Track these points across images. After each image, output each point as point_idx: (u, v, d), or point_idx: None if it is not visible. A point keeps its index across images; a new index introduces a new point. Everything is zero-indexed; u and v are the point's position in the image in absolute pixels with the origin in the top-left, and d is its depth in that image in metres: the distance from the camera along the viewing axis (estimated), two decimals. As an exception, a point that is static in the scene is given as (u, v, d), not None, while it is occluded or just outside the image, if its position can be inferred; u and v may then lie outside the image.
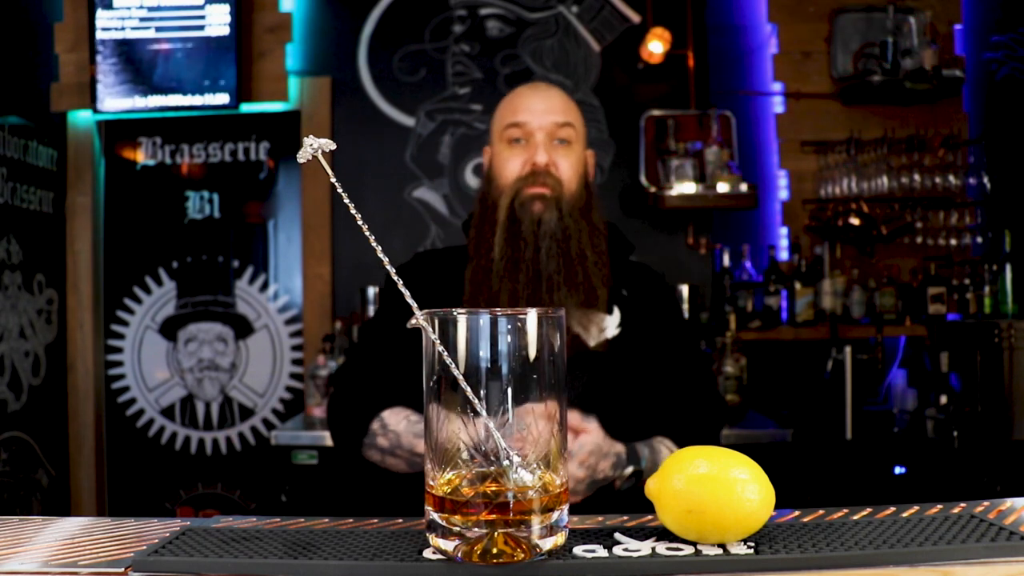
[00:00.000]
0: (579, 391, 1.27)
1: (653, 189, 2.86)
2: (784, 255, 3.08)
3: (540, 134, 1.33)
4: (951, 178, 3.04)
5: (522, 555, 0.61)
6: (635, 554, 0.64)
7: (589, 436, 1.16)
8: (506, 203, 1.32)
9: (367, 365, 1.39)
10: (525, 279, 1.30)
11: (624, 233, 1.48)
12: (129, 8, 2.93)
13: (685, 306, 2.83)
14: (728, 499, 0.64)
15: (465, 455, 0.62)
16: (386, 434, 1.27)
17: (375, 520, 0.78)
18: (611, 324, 1.35)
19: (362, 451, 1.32)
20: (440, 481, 0.62)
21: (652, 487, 0.68)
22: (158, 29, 2.93)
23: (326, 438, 2.45)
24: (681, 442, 1.29)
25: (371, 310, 2.88)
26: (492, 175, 1.38)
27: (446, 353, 0.61)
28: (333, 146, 0.65)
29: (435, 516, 0.62)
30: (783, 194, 3.12)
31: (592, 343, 1.32)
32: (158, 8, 2.93)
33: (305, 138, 0.65)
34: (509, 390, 0.61)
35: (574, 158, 1.36)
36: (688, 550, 0.64)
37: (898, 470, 2.54)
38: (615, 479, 1.21)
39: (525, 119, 1.34)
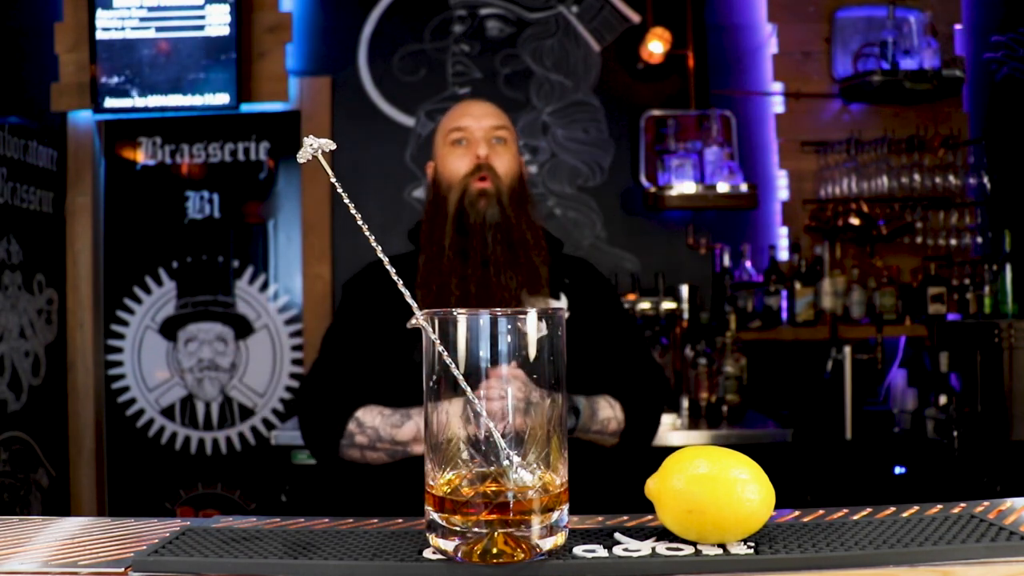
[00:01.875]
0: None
1: (653, 189, 2.86)
2: (784, 255, 3.08)
3: (479, 133, 1.53)
4: (951, 178, 3.04)
5: (522, 555, 0.61)
6: (635, 554, 0.64)
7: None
8: (455, 198, 1.48)
9: (335, 369, 1.47)
10: (473, 264, 1.44)
11: (552, 232, 1.66)
12: (129, 8, 2.93)
13: (682, 303, 2.83)
14: (728, 499, 0.64)
15: (465, 455, 0.62)
16: (363, 431, 1.37)
17: (375, 520, 0.78)
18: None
19: (339, 452, 1.40)
20: (440, 481, 0.62)
21: (652, 487, 0.68)
22: (158, 29, 2.93)
23: (326, 438, 2.45)
24: (628, 409, 1.47)
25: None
26: (440, 177, 1.55)
27: (446, 353, 0.61)
28: (333, 146, 0.65)
29: (435, 516, 0.62)
30: (783, 194, 3.12)
31: None
32: (158, 8, 2.93)
33: (305, 138, 0.65)
34: (509, 390, 0.62)
35: (509, 156, 1.54)
36: (688, 550, 0.64)
37: (898, 470, 2.55)
38: None
39: (466, 123, 1.54)
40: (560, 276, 1.56)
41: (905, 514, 0.75)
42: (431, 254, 1.48)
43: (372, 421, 1.37)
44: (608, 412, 1.44)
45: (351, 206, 0.65)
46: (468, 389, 0.61)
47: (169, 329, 3.13)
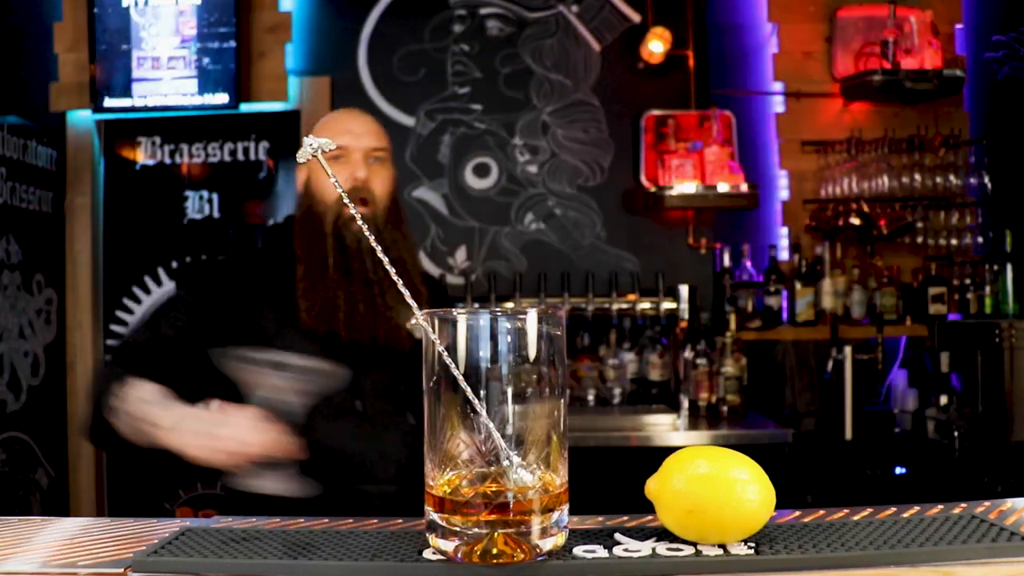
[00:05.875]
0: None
1: (653, 189, 2.86)
2: (784, 255, 3.08)
3: (358, 154, 1.49)
4: (952, 178, 3.03)
5: (522, 555, 0.60)
6: (635, 554, 0.64)
7: None
8: (331, 219, 1.47)
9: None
10: (359, 282, 1.45)
11: None
12: (129, 8, 2.92)
13: (682, 303, 2.82)
14: (728, 499, 0.64)
15: (465, 455, 0.62)
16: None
17: (375, 520, 0.78)
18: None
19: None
20: (440, 481, 0.62)
21: (652, 487, 0.68)
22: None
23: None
24: None
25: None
26: (314, 189, 1.52)
27: (446, 353, 0.61)
28: (333, 146, 0.65)
29: (435, 516, 0.62)
30: (783, 194, 3.12)
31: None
32: (158, 8, 2.92)
33: (305, 138, 0.65)
34: (509, 390, 0.61)
35: (386, 173, 1.53)
36: (688, 550, 0.64)
37: (899, 470, 2.55)
38: None
39: (347, 142, 1.50)
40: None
41: (906, 514, 0.75)
42: (312, 267, 1.46)
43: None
44: None
45: (351, 206, 0.65)
46: (468, 389, 0.60)
47: (169, 329, 3.12)
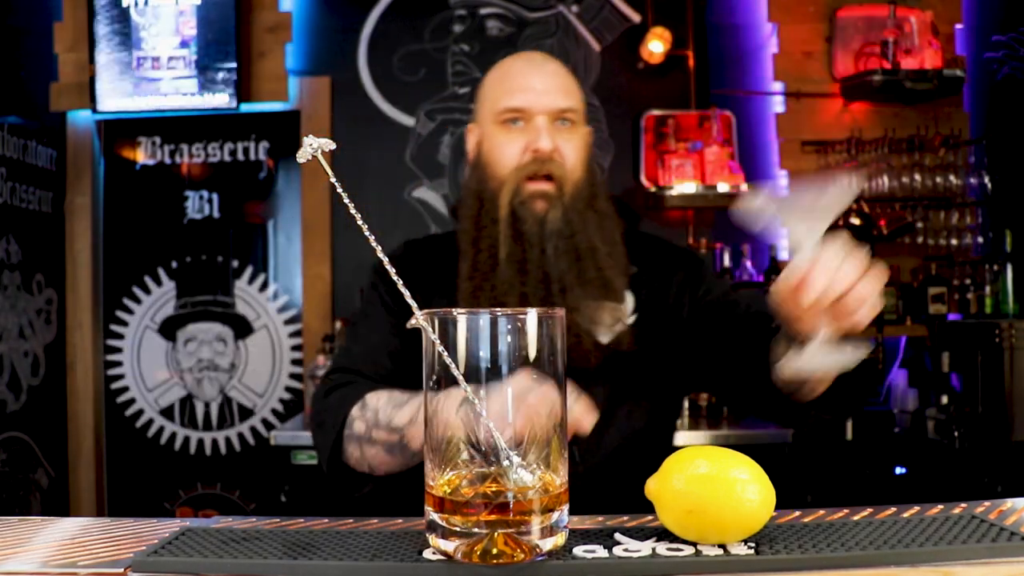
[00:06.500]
0: (608, 392, 1.17)
1: (653, 189, 2.86)
2: (784, 255, 3.08)
3: (542, 117, 1.19)
4: (952, 178, 3.03)
5: (522, 555, 0.60)
6: (635, 554, 0.64)
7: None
8: (507, 199, 1.18)
9: (357, 361, 1.22)
10: (534, 280, 1.17)
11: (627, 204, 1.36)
12: (128, 8, 2.92)
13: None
14: (728, 499, 0.64)
15: (465, 455, 0.62)
16: (364, 415, 1.07)
17: (375, 520, 0.78)
18: (627, 311, 1.22)
19: (341, 451, 1.11)
20: (440, 481, 0.62)
21: (652, 487, 0.68)
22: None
23: (326, 438, 2.44)
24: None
25: (371, 310, 2.87)
26: (486, 161, 1.23)
27: (446, 353, 0.61)
28: (333, 146, 0.65)
29: (435, 516, 0.62)
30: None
31: (608, 337, 1.18)
32: (158, 8, 2.92)
33: (305, 138, 0.65)
34: (509, 390, 0.61)
35: (578, 140, 1.23)
36: (688, 550, 0.64)
37: (899, 470, 2.55)
38: None
39: (526, 103, 1.19)
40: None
41: (906, 514, 0.75)
42: (479, 262, 1.19)
43: (376, 403, 1.06)
44: None
45: (351, 206, 0.65)
46: (468, 389, 0.60)
47: (168, 329, 3.13)
